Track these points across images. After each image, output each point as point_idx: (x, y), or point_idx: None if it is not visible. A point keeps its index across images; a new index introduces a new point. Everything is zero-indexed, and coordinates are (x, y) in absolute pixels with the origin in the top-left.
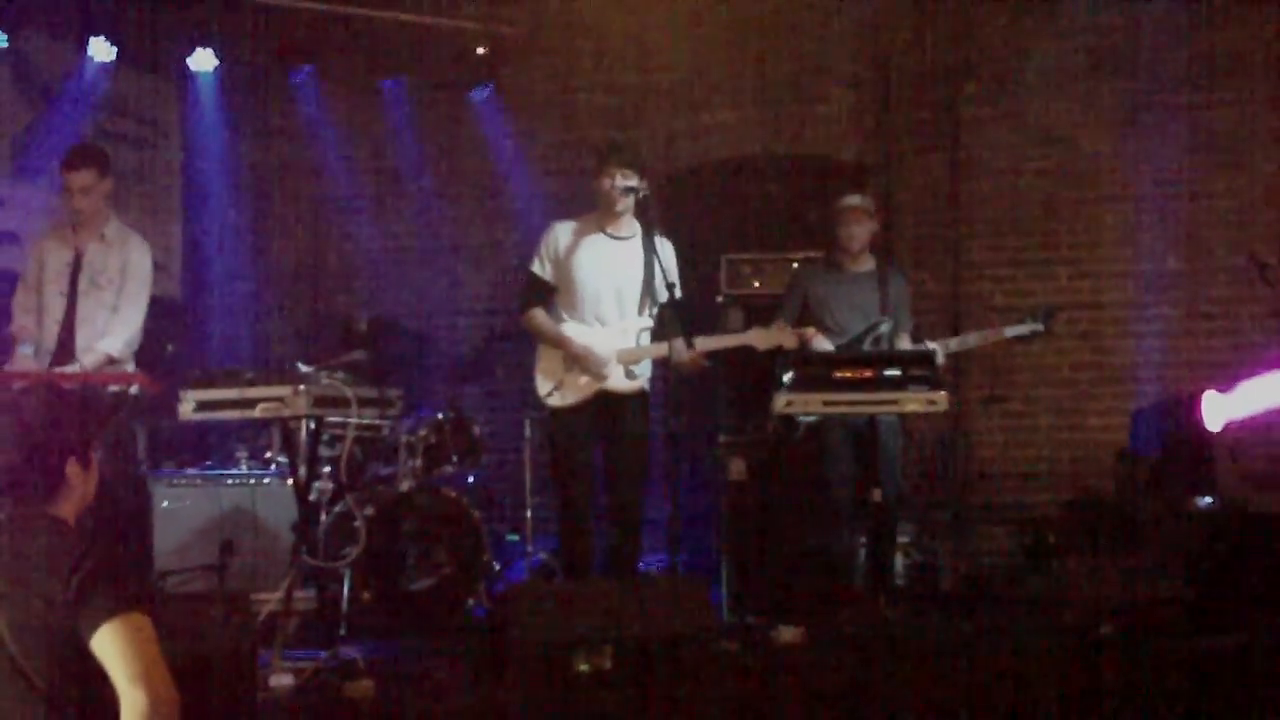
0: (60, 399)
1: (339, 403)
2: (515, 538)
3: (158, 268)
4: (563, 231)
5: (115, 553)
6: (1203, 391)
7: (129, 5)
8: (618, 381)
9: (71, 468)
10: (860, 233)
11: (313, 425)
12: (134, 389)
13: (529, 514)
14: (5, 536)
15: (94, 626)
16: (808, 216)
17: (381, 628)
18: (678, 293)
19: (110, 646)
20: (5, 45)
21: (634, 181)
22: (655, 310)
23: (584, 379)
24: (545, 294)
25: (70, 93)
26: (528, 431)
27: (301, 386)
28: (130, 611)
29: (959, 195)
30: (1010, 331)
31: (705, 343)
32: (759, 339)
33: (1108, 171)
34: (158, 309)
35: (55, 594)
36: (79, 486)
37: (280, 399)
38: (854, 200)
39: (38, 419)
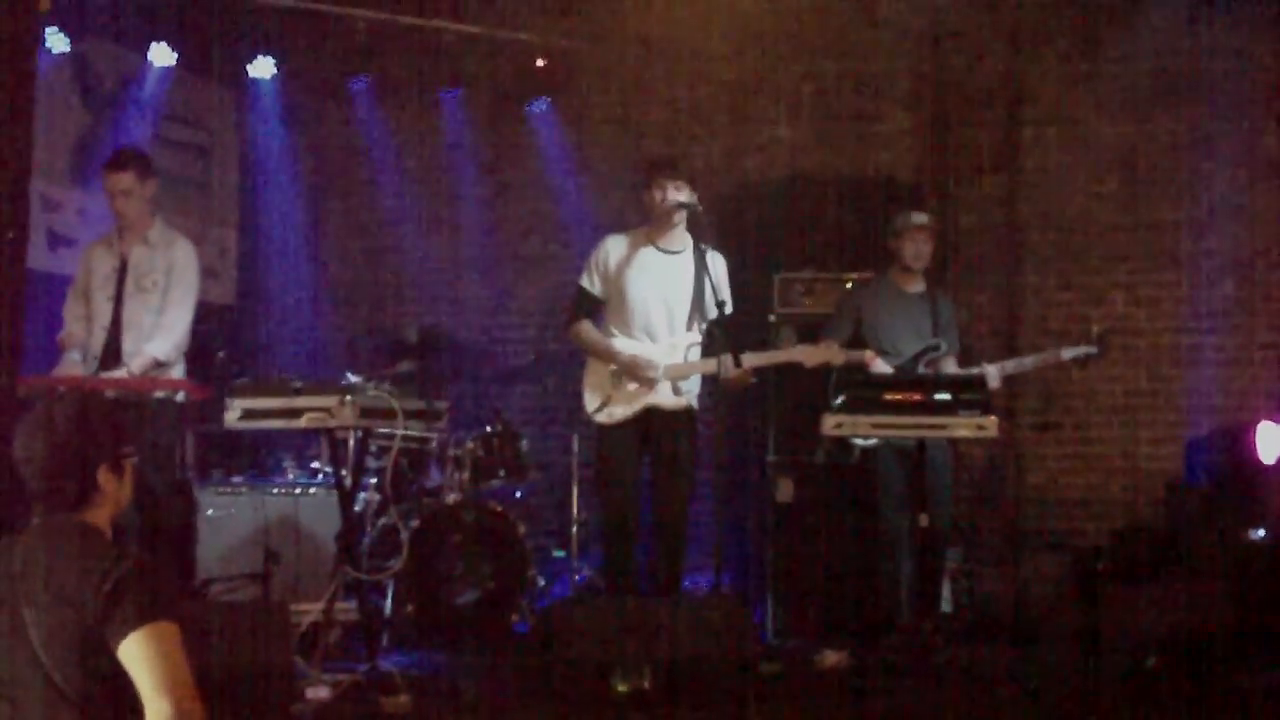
0: (92, 405)
1: (386, 414)
2: (561, 553)
3: (213, 274)
4: (613, 245)
5: (147, 560)
6: (1258, 422)
7: (190, 12)
8: (665, 397)
9: (104, 474)
10: (926, 251)
11: (359, 436)
12: (180, 395)
13: (575, 530)
14: (37, 543)
15: (122, 635)
16: (863, 236)
17: (424, 641)
18: (728, 308)
19: (137, 655)
20: (67, 50)
21: (685, 195)
22: (704, 326)
23: (632, 388)
24: (594, 308)
25: (131, 98)
26: (575, 447)
27: (348, 397)
28: (158, 620)
29: (1016, 218)
30: (1067, 353)
31: (752, 359)
32: (806, 355)
33: (1166, 196)
34: (212, 315)
35: (85, 601)
36: (112, 493)
37: (327, 409)
38: (921, 219)
39: (69, 425)
